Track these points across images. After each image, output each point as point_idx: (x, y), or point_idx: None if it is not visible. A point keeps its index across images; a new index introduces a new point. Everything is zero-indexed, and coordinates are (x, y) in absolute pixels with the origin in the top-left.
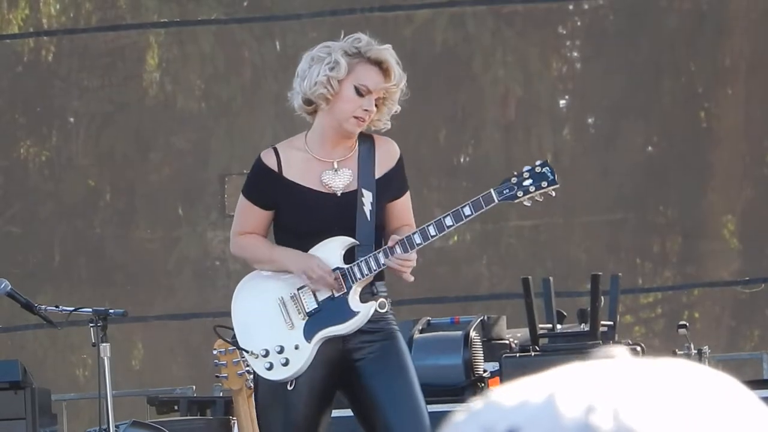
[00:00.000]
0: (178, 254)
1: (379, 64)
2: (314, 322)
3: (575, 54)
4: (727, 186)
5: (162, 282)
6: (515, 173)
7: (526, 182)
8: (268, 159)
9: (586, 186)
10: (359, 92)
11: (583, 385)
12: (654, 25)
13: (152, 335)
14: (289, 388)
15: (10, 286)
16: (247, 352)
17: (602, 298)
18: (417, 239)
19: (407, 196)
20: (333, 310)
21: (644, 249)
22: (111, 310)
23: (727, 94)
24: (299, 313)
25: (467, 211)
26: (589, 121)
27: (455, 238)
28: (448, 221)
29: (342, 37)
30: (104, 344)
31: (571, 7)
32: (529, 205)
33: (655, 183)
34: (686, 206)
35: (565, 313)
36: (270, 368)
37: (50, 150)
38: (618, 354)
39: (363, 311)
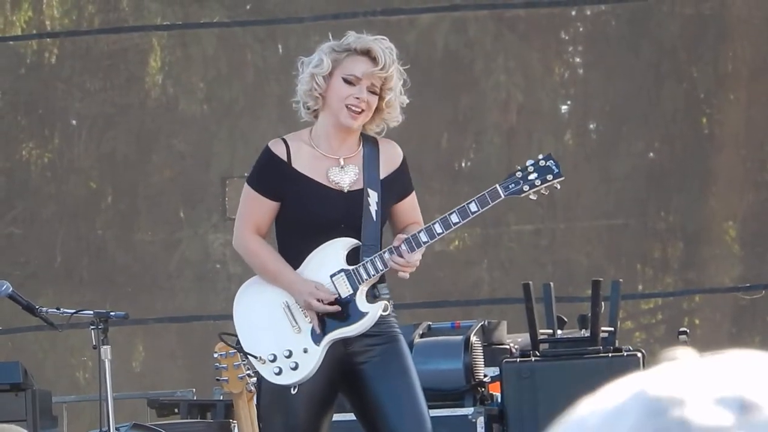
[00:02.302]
0: (179, 257)
1: (367, 53)
2: (323, 324)
3: (577, 59)
4: (729, 192)
5: (163, 284)
6: (519, 168)
7: (531, 176)
8: (277, 148)
9: (587, 191)
10: (349, 82)
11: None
12: (656, 31)
13: (153, 337)
14: (292, 392)
15: (11, 288)
16: (255, 357)
17: (603, 303)
18: (423, 237)
19: (413, 195)
20: (341, 312)
21: (645, 254)
22: (112, 313)
23: (729, 100)
24: (306, 317)
25: (473, 207)
26: (591, 126)
27: (456, 242)
28: (454, 218)
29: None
30: (105, 347)
31: (573, 12)
32: (534, 198)
33: (656, 188)
34: (687, 212)
35: (565, 319)
36: (279, 373)
37: (52, 152)
38: (682, 355)
39: (372, 311)
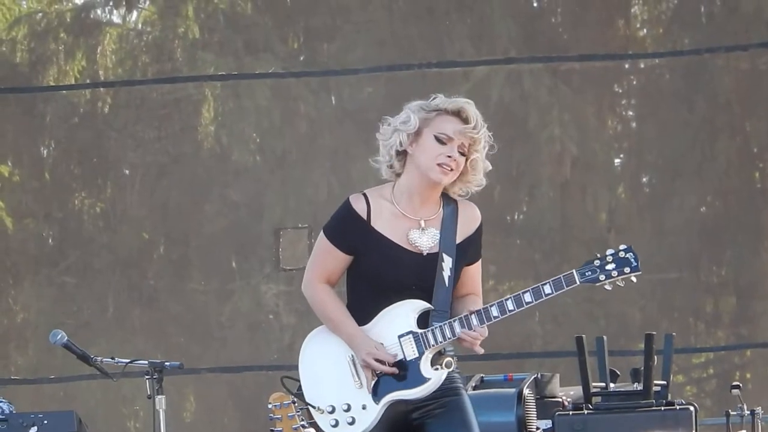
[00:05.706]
0: (231, 307)
1: (458, 114)
2: (384, 383)
3: (630, 113)
4: None
5: (215, 334)
6: (598, 256)
7: (609, 266)
8: (358, 205)
9: (640, 245)
10: (440, 141)
11: None
12: (710, 85)
13: (204, 388)
14: None
15: (66, 338)
16: (313, 407)
17: (656, 357)
18: (494, 312)
19: (479, 264)
20: (404, 373)
21: (697, 309)
22: (167, 363)
23: None
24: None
25: (547, 289)
26: (644, 179)
27: (508, 294)
28: (527, 297)
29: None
30: (160, 396)
31: (627, 65)
32: (609, 289)
33: (708, 242)
34: (740, 266)
35: (618, 372)
36: (335, 425)
37: (105, 201)
38: None
39: (434, 378)
